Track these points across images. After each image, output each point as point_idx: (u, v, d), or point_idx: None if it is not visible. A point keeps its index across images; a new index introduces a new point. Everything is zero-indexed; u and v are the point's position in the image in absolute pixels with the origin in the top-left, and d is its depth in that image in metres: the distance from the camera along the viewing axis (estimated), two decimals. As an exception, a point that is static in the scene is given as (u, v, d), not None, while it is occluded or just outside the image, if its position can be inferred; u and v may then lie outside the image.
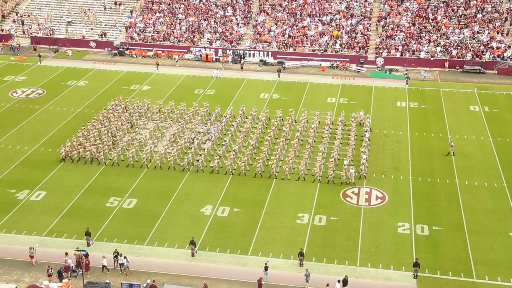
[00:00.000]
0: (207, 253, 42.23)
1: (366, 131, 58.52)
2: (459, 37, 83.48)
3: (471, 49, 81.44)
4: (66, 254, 40.33)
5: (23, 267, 40.60)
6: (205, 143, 56.94)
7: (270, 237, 43.96)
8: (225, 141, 56.72)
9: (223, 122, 60.58)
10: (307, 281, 38.86)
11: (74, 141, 55.29)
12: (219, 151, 54.29)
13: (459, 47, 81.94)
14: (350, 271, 40.44)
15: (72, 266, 39.71)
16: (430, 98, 70.47)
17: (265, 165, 52.90)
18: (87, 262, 39.69)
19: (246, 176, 51.79)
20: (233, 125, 59.80)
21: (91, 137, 56.36)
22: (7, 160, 54.35)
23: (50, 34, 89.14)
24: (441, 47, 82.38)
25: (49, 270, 38.93)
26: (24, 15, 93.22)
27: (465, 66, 79.57)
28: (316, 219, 46.19)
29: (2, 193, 49.26)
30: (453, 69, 79.91)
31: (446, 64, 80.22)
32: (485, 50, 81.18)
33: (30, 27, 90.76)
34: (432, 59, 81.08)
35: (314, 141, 57.30)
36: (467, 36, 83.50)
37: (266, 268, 39.25)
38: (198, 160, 52.93)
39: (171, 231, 44.58)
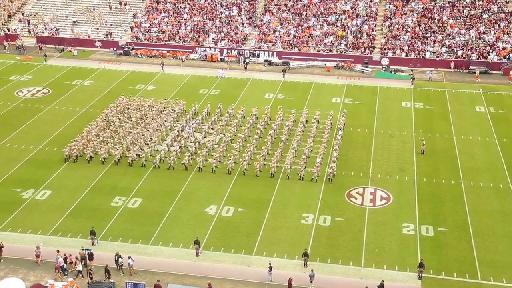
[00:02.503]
0: (211, 253, 42.25)
1: (340, 129, 58.87)
2: (464, 38, 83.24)
3: (477, 50, 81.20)
4: (58, 251, 40.49)
5: (29, 265, 40.72)
6: (176, 141, 57.32)
7: (274, 237, 43.95)
8: (197, 138, 57.18)
9: (198, 120, 60.88)
10: (311, 282, 38.82)
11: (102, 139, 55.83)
12: (191, 148, 54.64)
13: (464, 48, 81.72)
14: (355, 271, 40.41)
15: (63, 265, 39.83)
16: (436, 99, 70.30)
17: (237, 162, 53.12)
18: (76, 261, 39.85)
19: (251, 176, 51.83)
20: (209, 123, 60.28)
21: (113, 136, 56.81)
22: (13, 159, 54.52)
23: (56, 34, 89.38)
24: (446, 47, 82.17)
25: (91, 275, 38.92)
26: (30, 15, 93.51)
27: (470, 66, 79.32)
28: (321, 219, 46.15)
29: (8, 192, 49.43)
30: (458, 70, 79.68)
31: (452, 65, 80.00)
32: (491, 50, 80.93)
33: (36, 26, 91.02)
34: (437, 59, 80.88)
35: (287, 138, 57.55)
36: (473, 37, 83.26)
37: (270, 269, 39.24)
38: (170, 158, 53.27)
39: (175, 230, 44.63)
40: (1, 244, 41.25)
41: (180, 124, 60.30)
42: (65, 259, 40.17)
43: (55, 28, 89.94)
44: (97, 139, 55.90)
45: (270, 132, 58.06)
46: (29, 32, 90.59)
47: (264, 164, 52.68)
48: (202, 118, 61.92)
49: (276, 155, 53.30)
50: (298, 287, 39.07)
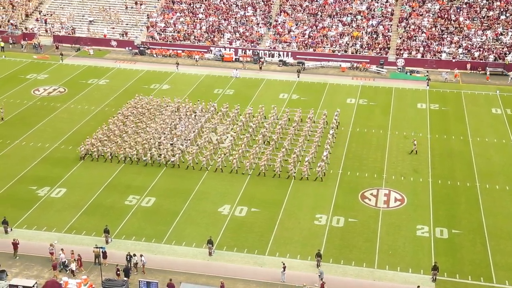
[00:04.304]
0: (224, 252, 42.31)
1: (332, 128, 59.02)
2: (481, 39, 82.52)
3: (494, 51, 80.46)
4: (62, 250, 40.70)
5: (43, 263, 41.04)
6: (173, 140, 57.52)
7: (287, 237, 43.90)
8: (189, 136, 57.51)
9: (191, 118, 61.09)
10: (321, 279, 38.70)
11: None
12: (182, 146, 54.90)
13: (481, 49, 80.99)
14: (368, 273, 40.25)
15: (65, 262, 40.05)
16: (451, 100, 69.77)
17: (227, 160, 53.35)
18: (79, 258, 40.16)
19: (265, 176, 51.83)
20: (201, 121, 60.46)
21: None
22: (29, 157, 55.02)
23: (72, 33, 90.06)
24: (463, 48, 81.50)
25: (118, 271, 39.10)
26: (47, 14, 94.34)
27: (487, 68, 78.62)
28: (334, 220, 46.02)
29: (24, 189, 49.90)
30: (475, 71, 79.00)
31: (468, 66, 79.32)
32: (508, 52, 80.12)
33: (52, 26, 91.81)
34: (453, 60, 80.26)
35: (281, 137, 57.74)
36: (490, 38, 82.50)
37: (284, 269, 39.21)
38: (160, 155, 53.57)
39: (189, 230, 44.75)
40: (17, 241, 41.65)
41: (213, 125, 60.36)
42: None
43: (71, 28, 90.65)
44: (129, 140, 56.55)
45: (262, 131, 58.31)
46: (46, 31, 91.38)
47: (253, 163, 52.96)
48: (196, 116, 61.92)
49: (266, 153, 53.48)
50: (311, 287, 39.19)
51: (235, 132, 58.22)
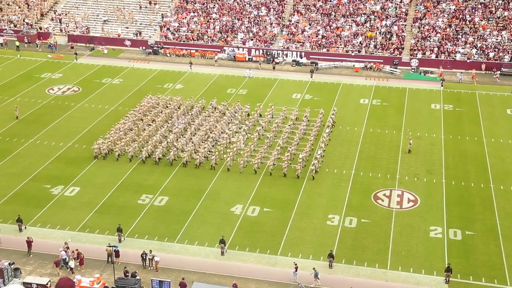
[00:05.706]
0: (236, 252, 42.35)
1: (328, 127, 59.13)
2: (497, 39, 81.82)
3: (509, 51, 79.74)
4: (68, 248, 40.89)
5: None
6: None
7: (300, 237, 43.85)
8: (185, 133, 57.82)
9: (187, 116, 61.33)
10: (318, 278, 38.70)
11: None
12: (177, 143, 55.06)
13: (496, 50, 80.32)
14: (380, 274, 40.10)
15: (66, 258, 40.25)
16: (466, 101, 69.28)
17: (221, 158, 53.49)
18: (81, 256, 40.39)
19: (277, 176, 51.79)
20: (199, 119, 60.70)
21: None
22: (43, 156, 55.44)
23: (87, 33, 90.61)
24: (477, 49, 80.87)
25: (127, 273, 39.19)
26: (62, 14, 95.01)
27: (502, 68, 77.95)
28: (347, 221, 45.88)
29: (38, 188, 50.29)
30: (490, 72, 78.37)
31: (483, 67, 78.69)
32: (523, 52, 79.46)
33: (67, 25, 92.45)
34: (468, 61, 79.66)
35: (276, 136, 57.84)
36: (505, 38, 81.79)
37: (296, 269, 39.19)
38: (155, 152, 53.90)
39: (201, 229, 44.85)
40: (31, 239, 41.99)
41: (245, 125, 60.32)
42: (78, 254, 40.62)
43: (86, 27, 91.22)
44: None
45: (257, 128, 58.45)
46: (61, 30, 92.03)
47: (248, 160, 53.03)
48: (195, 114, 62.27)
49: (260, 151, 53.58)
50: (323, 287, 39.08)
51: (230, 130, 58.42)
